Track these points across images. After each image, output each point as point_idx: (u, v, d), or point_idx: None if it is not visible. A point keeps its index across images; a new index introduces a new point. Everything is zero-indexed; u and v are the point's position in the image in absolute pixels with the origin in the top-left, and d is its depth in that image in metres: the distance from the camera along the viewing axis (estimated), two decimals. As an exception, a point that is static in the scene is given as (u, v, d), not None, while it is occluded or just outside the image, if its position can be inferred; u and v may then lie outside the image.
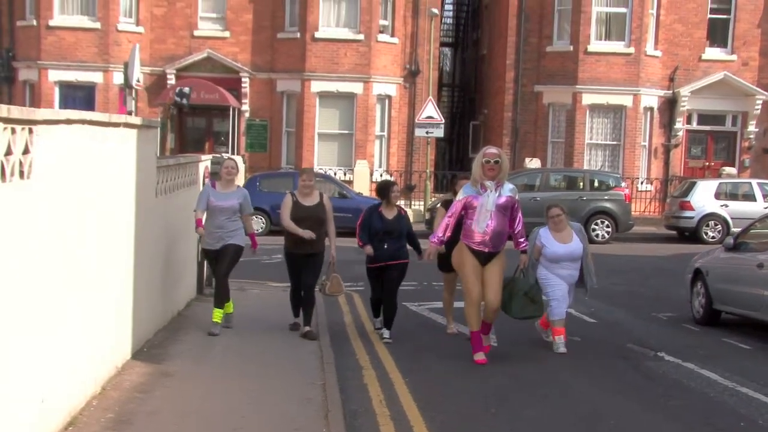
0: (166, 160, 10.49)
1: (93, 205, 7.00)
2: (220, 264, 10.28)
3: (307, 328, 10.32)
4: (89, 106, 28.18)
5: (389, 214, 10.60)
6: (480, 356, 9.38)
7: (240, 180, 25.80)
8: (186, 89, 23.10)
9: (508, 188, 9.30)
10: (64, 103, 28.39)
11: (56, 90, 29.18)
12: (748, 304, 11.18)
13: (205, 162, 13.54)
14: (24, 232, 5.30)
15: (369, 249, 10.48)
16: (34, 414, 5.66)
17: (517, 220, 9.41)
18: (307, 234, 10.07)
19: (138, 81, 15.50)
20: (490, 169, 9.17)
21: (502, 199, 9.18)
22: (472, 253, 9.29)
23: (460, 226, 9.40)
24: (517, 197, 9.49)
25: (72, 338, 6.53)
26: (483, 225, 9.11)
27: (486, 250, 9.22)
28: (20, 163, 5.12)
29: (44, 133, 5.48)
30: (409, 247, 10.75)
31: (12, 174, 4.99)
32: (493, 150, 9.44)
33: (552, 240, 10.19)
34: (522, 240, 9.52)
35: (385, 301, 10.60)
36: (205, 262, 12.00)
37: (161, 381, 7.92)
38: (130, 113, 15.34)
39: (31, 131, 5.25)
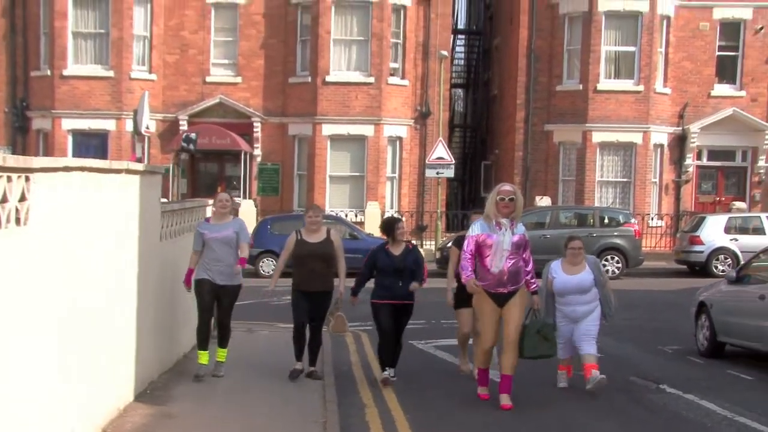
0: (170, 205, 10.74)
1: (95, 249, 7.20)
2: (224, 306, 10.08)
3: (312, 369, 10.26)
4: (102, 153, 28.60)
5: (397, 250, 10.28)
6: (483, 390, 9.40)
7: (252, 223, 26.16)
8: (192, 135, 23.46)
9: (521, 227, 9.16)
10: (78, 151, 28.80)
11: (69, 138, 29.59)
12: (750, 335, 11.26)
13: (211, 206, 13.75)
14: (22, 277, 5.49)
15: (353, 299, 10.24)
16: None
17: (528, 259, 9.20)
18: (270, 289, 10.52)
19: (147, 128, 15.82)
20: (505, 207, 8.97)
21: (516, 237, 8.98)
22: (490, 297, 9.03)
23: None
24: (527, 236, 9.31)
25: (70, 382, 6.69)
26: (500, 264, 8.87)
27: (505, 291, 8.99)
28: (17, 210, 5.32)
29: (42, 181, 5.70)
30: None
31: (8, 221, 5.19)
32: (507, 187, 9.24)
33: (560, 272, 9.99)
34: (533, 281, 9.29)
35: (396, 342, 10.33)
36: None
37: (163, 422, 8.06)
38: (139, 160, 15.64)
39: (27, 179, 5.46)
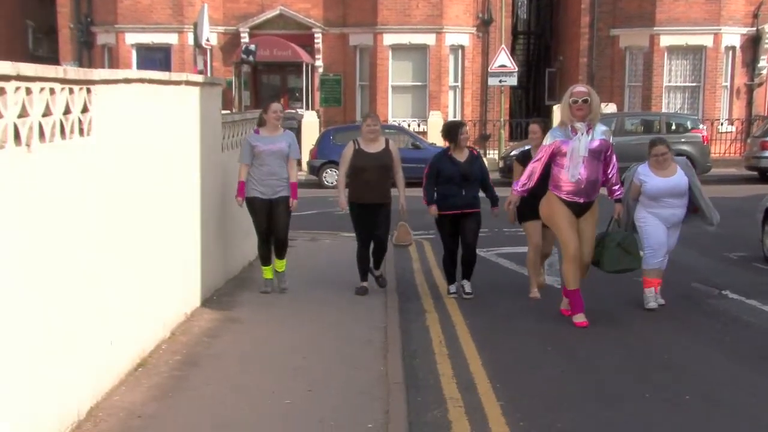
0: (231, 116, 10.86)
1: (157, 159, 7.37)
2: (279, 219, 9.66)
3: (378, 272, 10.10)
4: (166, 67, 28.82)
5: (461, 156, 9.73)
6: (580, 318, 8.58)
7: (315, 134, 26.28)
8: (252, 47, 23.48)
9: (600, 130, 8.40)
10: (142, 65, 29.06)
11: (133, 53, 29.89)
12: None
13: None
14: (88, 183, 5.68)
15: (434, 209, 9.69)
16: (103, 355, 6.09)
17: (612, 166, 8.54)
18: (341, 205, 9.88)
19: (207, 40, 15.88)
20: (579, 109, 8.30)
21: (596, 143, 8.29)
22: (565, 205, 8.47)
23: (544, 176, 8.59)
24: (611, 140, 8.57)
25: (142, 286, 6.94)
26: (576, 173, 8.26)
27: (581, 200, 8.40)
28: (80, 121, 5.47)
29: (102, 93, 5.83)
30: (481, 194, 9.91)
31: (72, 131, 5.35)
32: (581, 88, 8.55)
33: (652, 175, 9.12)
34: (617, 188, 8.71)
35: (465, 254, 9.82)
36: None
37: (228, 326, 8.31)
38: (200, 72, 15.75)
39: (89, 91, 5.60)
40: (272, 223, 9.70)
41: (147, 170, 7.07)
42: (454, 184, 9.58)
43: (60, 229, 5.24)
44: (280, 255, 9.96)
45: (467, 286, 9.89)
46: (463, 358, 7.61)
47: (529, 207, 9.18)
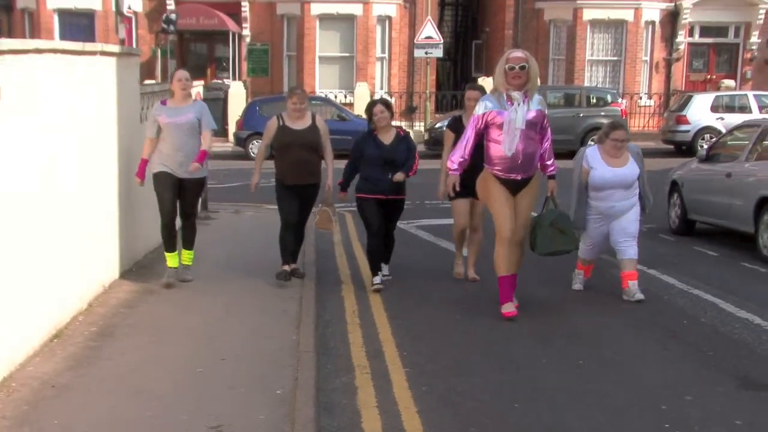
0: (150, 87, 10.87)
1: (69, 130, 7.39)
2: (187, 199, 8.93)
3: (293, 266, 9.35)
4: (90, 34, 28.40)
5: (386, 137, 9.01)
6: (509, 307, 7.99)
7: (242, 105, 26.20)
8: (172, 16, 23.29)
9: (536, 99, 7.73)
10: (64, 32, 28.61)
11: (55, 18, 29.35)
12: (718, 213, 11.61)
13: (196, 87, 13.86)
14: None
15: (342, 195, 9.23)
16: (15, 327, 6.17)
17: (546, 138, 7.94)
18: (253, 183, 9.19)
19: (129, 8, 15.75)
20: (516, 77, 7.56)
21: (532, 114, 7.62)
22: (500, 183, 7.87)
23: (477, 150, 7.94)
24: (546, 110, 7.91)
25: (55, 257, 7.00)
26: (512, 146, 7.59)
27: (519, 177, 7.79)
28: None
29: (10, 62, 5.86)
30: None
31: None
32: (518, 53, 7.75)
33: (601, 162, 8.57)
34: (550, 162, 8.03)
35: (385, 240, 9.30)
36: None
37: (145, 298, 8.41)
38: (122, 41, 15.63)
39: (-3, 62, 5.64)
40: (180, 205, 8.94)
41: (58, 141, 7.09)
42: (377, 166, 8.91)
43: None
44: (188, 244, 9.16)
45: (385, 268, 9.46)
46: (374, 327, 7.86)
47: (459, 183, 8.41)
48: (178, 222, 9.09)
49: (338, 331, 7.75)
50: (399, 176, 8.89)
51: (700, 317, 8.10)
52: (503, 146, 7.67)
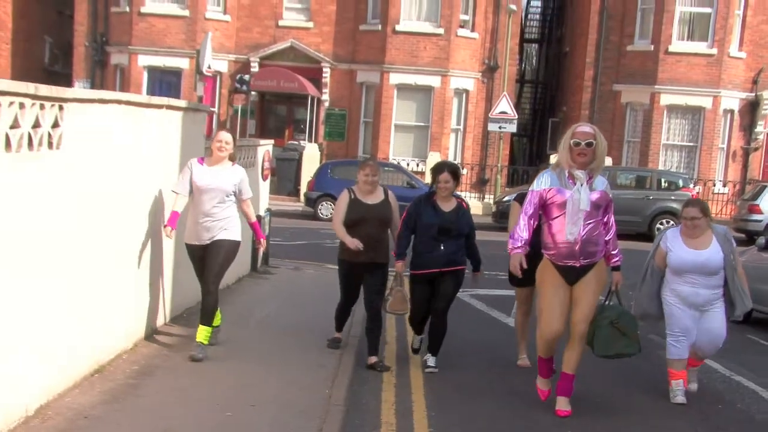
0: (217, 142, 11.18)
1: (134, 179, 7.75)
2: (209, 265, 8.11)
3: (374, 359, 8.51)
4: (176, 91, 29.42)
5: (447, 206, 8.35)
6: (544, 384, 7.47)
7: (315, 166, 26.72)
8: (246, 77, 24.16)
9: (601, 181, 7.07)
10: (152, 87, 29.68)
11: (145, 74, 30.50)
12: (775, 302, 11.40)
13: (265, 146, 14.27)
14: (58, 193, 6.06)
15: (400, 265, 8.37)
16: (58, 359, 6.43)
17: (610, 225, 7.20)
18: (354, 244, 8.22)
19: (209, 67, 16.38)
20: (582, 154, 6.92)
21: (596, 195, 6.96)
22: (559, 271, 7.09)
23: (536, 230, 7.20)
24: (610, 194, 7.23)
25: (106, 296, 7.29)
26: (575, 230, 6.87)
27: (577, 264, 7.02)
28: (49, 135, 5.86)
29: (75, 110, 6.22)
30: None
31: (40, 144, 5.73)
32: (586, 128, 7.08)
33: (680, 244, 7.80)
34: (615, 252, 7.29)
35: (434, 320, 8.44)
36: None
37: (190, 342, 8.58)
38: (200, 98, 16.22)
39: (61, 108, 5.99)
40: (204, 269, 8.21)
41: (121, 186, 7.43)
42: (430, 237, 8.25)
43: (27, 231, 5.62)
44: (205, 318, 8.13)
45: (431, 360, 8.52)
46: (408, 387, 7.92)
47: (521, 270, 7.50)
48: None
49: (373, 389, 7.83)
50: (475, 278, 8.66)
51: (736, 403, 7.99)
52: (563, 229, 6.94)
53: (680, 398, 7.83)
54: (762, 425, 7.43)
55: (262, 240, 8.96)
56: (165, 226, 8.11)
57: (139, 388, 7.03)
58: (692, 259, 7.68)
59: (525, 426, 7.02)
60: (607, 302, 7.47)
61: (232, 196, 8.22)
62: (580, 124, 7.22)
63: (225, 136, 8.29)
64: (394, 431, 6.68)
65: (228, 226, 8.20)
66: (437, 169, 8.43)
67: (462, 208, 8.42)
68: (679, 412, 7.65)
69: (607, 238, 7.17)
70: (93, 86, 29.93)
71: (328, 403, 7.07)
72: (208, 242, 8.15)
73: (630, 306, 7.78)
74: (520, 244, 7.07)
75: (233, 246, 8.28)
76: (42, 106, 5.70)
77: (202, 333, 8.11)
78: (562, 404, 7.27)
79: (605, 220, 7.14)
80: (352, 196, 8.54)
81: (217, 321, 8.46)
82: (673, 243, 7.83)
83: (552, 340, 7.16)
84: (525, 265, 7.06)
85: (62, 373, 6.55)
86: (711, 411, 7.72)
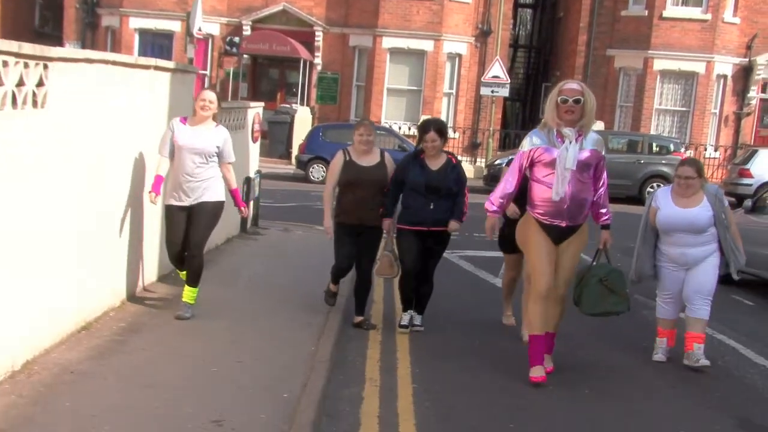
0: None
1: (122, 138, 7.78)
2: (194, 230, 8.05)
3: (361, 318, 8.61)
4: (168, 54, 29.30)
5: (435, 163, 8.14)
6: (538, 371, 7.04)
7: (307, 129, 26.71)
8: (236, 39, 24.07)
9: (592, 139, 6.88)
10: (144, 50, 29.54)
11: (136, 37, 30.36)
12: (760, 263, 11.50)
13: (255, 109, 14.27)
14: (41, 150, 6.10)
15: (387, 224, 8.29)
16: (44, 316, 6.51)
17: (601, 183, 7.08)
18: (328, 228, 8.36)
19: (199, 30, 16.32)
20: (569, 111, 6.73)
21: (586, 154, 6.78)
22: (542, 229, 6.97)
23: (524, 192, 7.17)
24: (603, 152, 7.06)
25: (92, 254, 7.35)
26: (561, 189, 6.73)
27: (563, 224, 6.89)
28: (34, 93, 5.89)
29: (60, 70, 6.24)
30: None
31: (24, 103, 5.77)
32: (573, 85, 6.92)
33: (669, 202, 7.73)
34: (604, 211, 7.19)
35: (422, 286, 8.43)
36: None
37: (178, 300, 8.68)
38: (190, 61, 16.18)
39: (46, 67, 6.01)
40: (188, 233, 8.12)
41: (109, 145, 7.46)
42: (419, 194, 8.10)
43: (12, 189, 5.67)
44: (192, 279, 8.18)
45: (417, 318, 8.56)
46: (393, 345, 8.03)
47: (508, 235, 7.96)
48: None
49: (359, 346, 7.93)
50: (453, 225, 8.11)
51: (717, 360, 8.08)
52: (550, 188, 6.79)
53: (660, 356, 7.97)
54: (738, 380, 7.55)
55: (242, 208, 8.70)
56: (150, 192, 7.99)
57: (125, 345, 7.10)
58: (680, 216, 7.60)
59: (505, 383, 7.12)
60: (595, 261, 7.43)
61: (215, 157, 8.06)
62: (567, 81, 7.05)
63: (208, 94, 8.08)
64: (378, 387, 6.78)
65: (211, 186, 8.05)
66: (423, 128, 8.26)
67: (451, 164, 8.19)
68: (660, 370, 7.78)
69: (597, 197, 7.05)
70: (84, 48, 29.77)
71: (313, 359, 7.16)
72: (192, 204, 8.01)
73: (619, 266, 7.68)
74: (495, 207, 7.08)
75: (217, 208, 8.18)
76: (26, 65, 5.72)
77: (189, 293, 8.17)
78: (545, 361, 7.22)
79: (597, 177, 7.00)
80: (347, 158, 8.39)
81: (192, 299, 8.23)
82: (663, 201, 7.76)
83: (544, 297, 6.97)
84: (497, 230, 7.17)
85: (49, 329, 6.63)
86: (692, 369, 7.81)
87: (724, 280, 12.16)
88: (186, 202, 8.01)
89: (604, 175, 7.07)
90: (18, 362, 6.09)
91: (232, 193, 8.39)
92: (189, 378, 6.41)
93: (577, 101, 6.74)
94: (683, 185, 7.66)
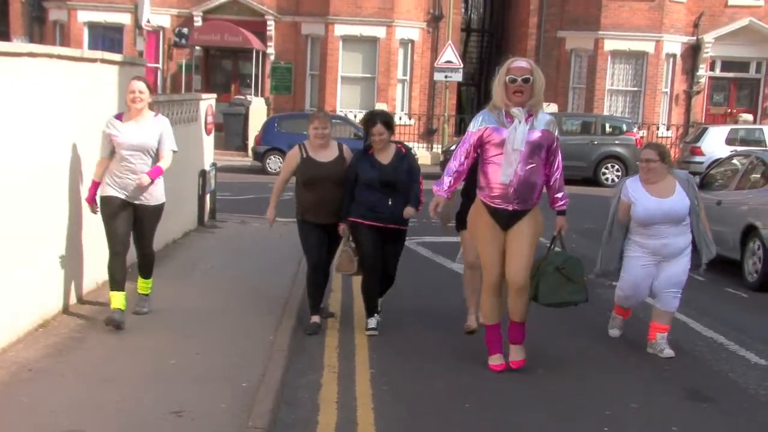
0: (156, 97, 11.16)
1: (67, 133, 7.75)
2: (142, 231, 7.76)
3: (317, 318, 8.20)
4: (119, 47, 29.04)
5: (384, 156, 7.83)
6: (496, 359, 6.98)
7: (262, 120, 26.66)
8: (184, 30, 24.06)
9: (544, 120, 6.66)
10: (94, 44, 29.27)
11: (85, 31, 30.08)
12: (709, 240, 11.73)
13: (207, 101, 14.24)
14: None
15: (342, 228, 7.90)
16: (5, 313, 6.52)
17: (556, 166, 6.81)
18: (270, 217, 8.29)
19: (148, 21, 16.22)
20: (518, 91, 6.48)
21: (536, 134, 6.55)
22: (490, 214, 6.74)
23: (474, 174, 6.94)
24: (556, 133, 6.83)
25: (47, 252, 7.35)
26: (509, 171, 6.50)
27: (510, 207, 6.64)
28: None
29: (4, 64, 6.23)
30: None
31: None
32: (521, 63, 6.63)
33: (643, 193, 7.42)
34: (560, 195, 6.92)
35: (384, 279, 8.15)
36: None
37: (137, 295, 8.71)
38: (140, 53, 16.10)
39: (-9, 62, 6.01)
40: (135, 236, 7.80)
41: (56, 142, 7.45)
42: (374, 190, 7.75)
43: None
44: (145, 272, 8.08)
45: (373, 322, 8.12)
46: (352, 331, 8.12)
47: (464, 215, 7.57)
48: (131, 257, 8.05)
49: (317, 337, 7.98)
50: (408, 211, 7.73)
51: (682, 344, 8.19)
52: (498, 169, 6.57)
53: (615, 331, 8.09)
54: (687, 353, 7.76)
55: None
56: (87, 200, 7.63)
57: (83, 342, 7.11)
58: (657, 207, 7.31)
59: (462, 366, 7.23)
60: (551, 247, 7.11)
61: (153, 151, 7.58)
62: (515, 59, 6.69)
63: (138, 84, 7.52)
64: (336, 373, 6.88)
65: (153, 186, 7.60)
66: (369, 121, 7.88)
67: (401, 154, 7.87)
68: (610, 342, 7.99)
69: (552, 181, 6.82)
70: (32, 43, 29.41)
71: (271, 348, 7.23)
72: (134, 204, 7.57)
73: (574, 250, 7.48)
74: (444, 188, 6.84)
75: (159, 209, 7.85)
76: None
77: (143, 285, 8.13)
78: (515, 353, 6.99)
79: (550, 161, 6.76)
80: (304, 155, 7.97)
81: (120, 304, 7.61)
82: (636, 193, 7.44)
83: (495, 285, 6.83)
84: (440, 208, 6.88)
85: (6, 330, 6.62)
86: (641, 342, 7.94)
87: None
88: (127, 198, 7.51)
89: (559, 158, 6.82)
90: None
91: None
92: (147, 372, 6.45)
93: (525, 80, 6.49)
94: (644, 168, 7.44)
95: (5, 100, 6.34)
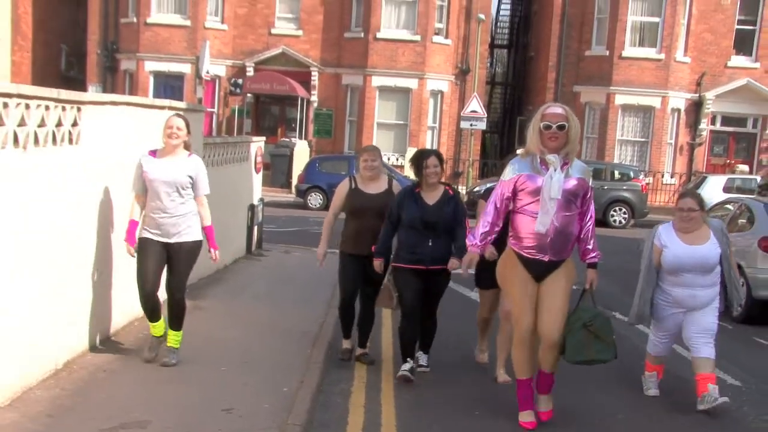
0: (212, 139, 11.69)
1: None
2: (174, 272, 6.90)
3: (362, 351, 7.84)
4: (179, 93, 29.79)
5: (431, 197, 7.12)
6: (527, 417, 6.21)
7: (305, 161, 27.19)
8: (239, 80, 24.75)
9: (579, 167, 5.96)
10: (158, 91, 30.01)
11: (151, 79, 30.82)
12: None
13: (257, 143, 14.72)
14: (77, 183, 6.54)
15: (378, 264, 7.29)
16: (73, 328, 6.94)
17: (588, 216, 6.06)
18: (320, 258, 7.75)
19: (207, 72, 16.80)
20: (553, 138, 5.80)
21: (572, 182, 5.86)
22: (523, 264, 6.01)
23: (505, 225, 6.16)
24: (590, 182, 6.08)
25: (109, 275, 7.78)
26: (546, 220, 5.79)
27: (545, 258, 5.94)
28: (70, 132, 6.35)
29: (91, 111, 6.70)
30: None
31: (62, 140, 6.22)
32: (557, 110, 5.91)
33: (675, 239, 6.80)
34: (591, 247, 6.10)
35: (425, 322, 7.41)
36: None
37: (193, 312, 9.08)
38: (199, 100, 16.66)
39: (79, 109, 6.47)
40: (168, 276, 6.97)
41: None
42: (416, 230, 7.05)
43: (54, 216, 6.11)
44: (175, 323, 7.07)
45: (422, 358, 7.60)
46: (379, 346, 8.45)
47: (486, 269, 6.82)
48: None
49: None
50: (453, 264, 6.96)
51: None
52: (534, 219, 5.85)
53: (653, 391, 7.30)
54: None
55: (213, 250, 7.12)
56: (126, 241, 6.83)
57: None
58: (689, 254, 6.69)
59: (476, 378, 7.53)
60: (580, 303, 6.22)
61: (189, 190, 6.83)
62: (550, 105, 6.01)
63: (176, 121, 6.87)
64: (365, 383, 7.22)
65: (188, 224, 6.84)
66: (422, 156, 7.21)
67: (449, 196, 7.15)
68: (651, 401, 7.26)
69: (584, 232, 6.05)
70: (105, 90, 30.24)
71: (308, 361, 7.58)
72: (169, 242, 6.80)
73: (605, 309, 6.90)
74: (477, 242, 6.12)
75: (195, 248, 6.96)
76: (63, 108, 6.18)
77: (173, 338, 7.11)
78: (544, 404, 6.34)
79: (584, 210, 6.02)
80: (353, 186, 7.56)
81: (159, 332, 7.13)
82: (668, 239, 6.83)
83: (527, 338, 6.05)
84: (474, 264, 6.23)
85: (83, 336, 7.05)
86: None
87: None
88: (162, 238, 6.79)
89: (592, 208, 6.08)
90: (60, 362, 6.54)
91: (205, 230, 7.01)
92: (202, 377, 6.82)
93: (561, 127, 5.80)
94: (685, 218, 6.78)
95: (100, 135, 6.76)
